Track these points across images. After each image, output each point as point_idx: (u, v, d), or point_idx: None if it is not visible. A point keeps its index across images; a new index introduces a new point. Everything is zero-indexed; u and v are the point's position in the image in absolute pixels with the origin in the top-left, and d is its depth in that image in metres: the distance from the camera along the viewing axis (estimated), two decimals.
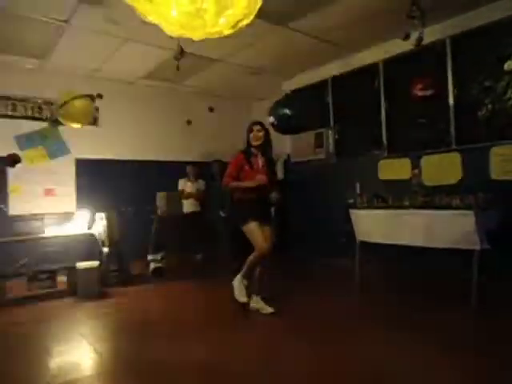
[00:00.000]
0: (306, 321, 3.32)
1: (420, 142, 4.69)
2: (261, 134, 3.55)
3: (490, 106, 4.15)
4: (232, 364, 2.49)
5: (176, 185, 6.44)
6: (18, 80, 5.28)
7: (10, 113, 5.24)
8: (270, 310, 3.51)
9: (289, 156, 6.29)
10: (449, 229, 3.48)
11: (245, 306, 3.51)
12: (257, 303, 3.57)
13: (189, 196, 6.38)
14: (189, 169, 6.48)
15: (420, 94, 4.07)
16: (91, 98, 4.06)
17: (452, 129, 4.42)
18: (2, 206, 5.04)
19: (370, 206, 4.12)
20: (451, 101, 4.41)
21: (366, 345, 2.72)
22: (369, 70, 5.23)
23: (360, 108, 5.42)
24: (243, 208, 3.50)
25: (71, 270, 4.55)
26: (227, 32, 2.26)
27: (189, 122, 6.71)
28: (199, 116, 6.83)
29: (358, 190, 4.36)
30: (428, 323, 3.10)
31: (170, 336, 3.07)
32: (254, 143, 3.55)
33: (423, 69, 4.51)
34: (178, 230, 6.14)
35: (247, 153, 3.57)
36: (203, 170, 6.55)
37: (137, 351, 2.78)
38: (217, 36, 2.28)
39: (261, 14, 3.72)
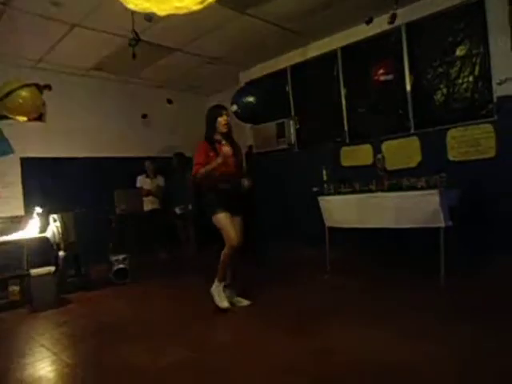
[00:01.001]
0: (280, 311, 3.24)
1: (380, 127, 4.80)
2: (228, 119, 3.40)
3: (444, 91, 4.31)
4: (207, 362, 2.36)
5: (135, 182, 6.17)
6: None
7: None
8: (245, 302, 3.43)
9: (251, 147, 6.20)
10: (416, 209, 3.58)
11: (227, 311, 3.27)
12: (231, 297, 3.43)
13: (148, 193, 6.13)
14: (147, 165, 6.23)
15: (382, 78, 4.14)
16: (38, 87, 3.69)
17: (410, 114, 4.55)
18: None
19: (337, 192, 4.15)
20: (408, 87, 4.54)
21: (337, 333, 2.69)
22: (327, 58, 5.26)
23: (320, 96, 5.44)
24: (212, 198, 3.36)
25: (24, 278, 4.16)
26: (195, 7, 2.11)
27: (144, 116, 6.41)
28: (156, 109, 6.56)
29: (324, 177, 4.36)
30: (403, 304, 3.15)
31: (138, 339, 2.87)
32: (223, 130, 3.37)
33: (381, 56, 4.60)
34: (139, 229, 5.89)
35: (211, 140, 3.38)
36: (164, 164, 6.31)
37: (107, 357, 2.56)
38: (184, 11, 2.12)
39: None
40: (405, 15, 4.41)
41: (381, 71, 4.16)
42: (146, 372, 2.29)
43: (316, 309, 3.22)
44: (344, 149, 5.17)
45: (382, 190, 3.83)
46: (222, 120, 3.35)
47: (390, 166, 4.58)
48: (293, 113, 5.75)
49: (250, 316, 3.19)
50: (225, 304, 3.29)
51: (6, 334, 3.25)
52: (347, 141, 5.17)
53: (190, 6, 2.08)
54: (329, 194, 4.27)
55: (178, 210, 6.00)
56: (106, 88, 6.11)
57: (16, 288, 4.33)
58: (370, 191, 3.93)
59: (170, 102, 6.33)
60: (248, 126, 6.17)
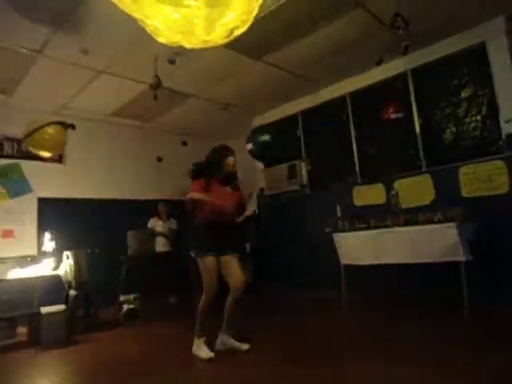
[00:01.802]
0: (295, 350, 3.07)
1: (392, 166, 4.88)
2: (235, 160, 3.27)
3: (453, 130, 4.44)
4: None
5: (147, 224, 6.20)
6: None
7: None
8: (244, 347, 3.06)
9: (263, 189, 6.29)
10: (433, 243, 3.55)
11: (211, 359, 2.92)
12: (227, 342, 3.13)
13: (159, 235, 6.13)
14: (160, 207, 6.28)
15: (393, 116, 4.30)
16: (64, 125, 3.88)
17: (421, 153, 4.65)
18: None
19: (352, 229, 4.14)
20: (417, 128, 4.69)
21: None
22: (337, 103, 5.49)
23: (331, 139, 5.62)
24: (201, 236, 3.14)
25: (34, 317, 4.07)
26: (221, 41, 2.28)
27: (159, 159, 6.60)
28: (170, 153, 6.76)
29: (338, 214, 4.38)
30: (426, 339, 3.01)
31: (144, 378, 2.72)
32: (232, 169, 3.23)
33: (389, 98, 4.80)
34: (150, 271, 5.81)
35: (209, 178, 3.16)
36: (176, 207, 6.37)
37: None
38: (211, 45, 2.29)
39: (236, 46, 3.94)
40: (410, 61, 4.67)
41: (391, 110, 4.34)
42: None
43: (335, 347, 3.07)
44: (356, 188, 5.22)
45: (398, 225, 3.81)
46: (230, 160, 3.21)
47: (403, 204, 4.59)
48: (304, 155, 5.90)
49: (259, 355, 3.03)
50: (208, 354, 2.95)
51: (15, 372, 3.12)
52: (359, 180, 5.24)
53: (216, 40, 2.25)
54: (343, 231, 4.26)
55: (192, 253, 5.95)
56: (123, 132, 6.37)
57: (23, 329, 4.23)
58: (386, 227, 3.91)
59: (185, 144, 6.56)
60: (260, 168, 6.33)
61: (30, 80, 4.64)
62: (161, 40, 2.29)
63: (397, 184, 4.72)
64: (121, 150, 6.33)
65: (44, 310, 3.99)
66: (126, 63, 4.45)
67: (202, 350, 3.00)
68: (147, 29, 2.24)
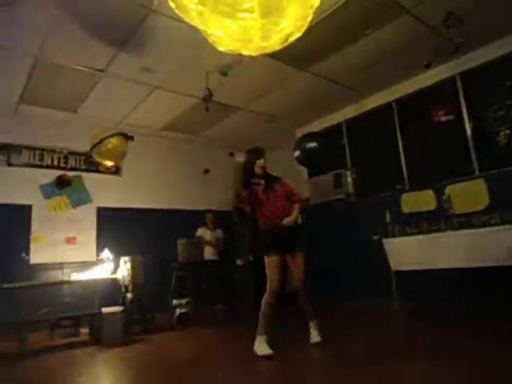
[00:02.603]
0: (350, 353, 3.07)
1: (442, 172, 4.78)
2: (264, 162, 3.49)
3: (507, 132, 4.31)
4: None
5: (195, 233, 6.41)
6: (47, 131, 5.50)
7: (37, 162, 5.37)
8: (315, 339, 3.25)
9: (308, 199, 6.33)
10: (490, 247, 3.43)
11: (270, 356, 2.98)
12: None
13: (207, 244, 6.31)
14: (208, 217, 6.49)
15: (443, 118, 4.25)
16: (125, 136, 4.20)
17: (473, 156, 4.53)
18: (24, 254, 4.92)
19: (404, 233, 4.08)
20: (468, 131, 4.59)
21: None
22: (383, 110, 5.50)
23: (376, 146, 5.60)
24: (264, 239, 3.36)
25: (95, 317, 4.33)
26: (278, 47, 2.43)
27: (206, 171, 6.86)
28: (217, 165, 7.01)
29: (387, 219, 4.33)
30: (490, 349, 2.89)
31: (201, 373, 2.82)
32: (259, 172, 3.42)
33: (437, 102, 4.75)
34: (198, 278, 5.98)
35: (249, 185, 3.36)
36: (223, 217, 6.56)
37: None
38: (268, 51, 2.44)
39: (283, 57, 4.09)
40: (458, 65, 4.62)
41: (441, 112, 4.29)
42: None
43: (386, 350, 3.02)
44: (404, 196, 5.14)
45: (452, 229, 3.72)
46: (259, 163, 3.43)
47: (456, 210, 4.47)
48: (349, 163, 5.91)
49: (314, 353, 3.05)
50: (266, 351, 3.01)
51: (81, 366, 3.34)
52: (407, 187, 5.16)
53: (273, 46, 2.40)
54: (393, 237, 4.21)
55: (239, 262, 6.10)
56: (172, 146, 6.71)
57: (86, 330, 4.51)
58: (439, 231, 3.83)
59: (231, 154, 6.76)
60: (303, 178, 6.41)
61: (92, 98, 5.07)
62: (221, 49, 2.47)
63: (448, 189, 4.61)
64: (171, 162, 6.66)
65: (105, 310, 4.23)
66: (179, 78, 4.75)
67: (260, 348, 3.07)
68: (209, 39, 2.43)
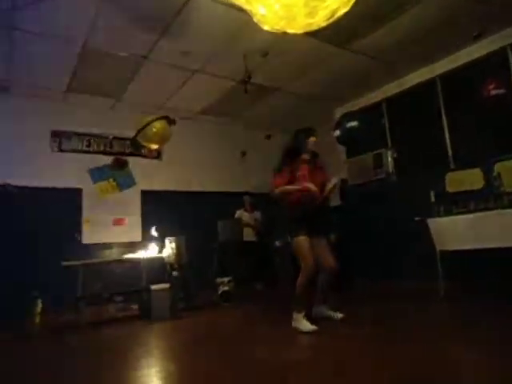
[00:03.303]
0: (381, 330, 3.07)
1: (490, 149, 4.58)
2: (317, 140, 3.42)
3: None
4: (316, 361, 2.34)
5: (234, 215, 6.54)
6: (93, 118, 5.74)
7: (85, 148, 5.64)
8: (339, 315, 3.26)
9: (346, 180, 6.27)
10: None
11: (315, 331, 3.01)
12: (322, 311, 3.35)
13: (246, 226, 6.43)
14: (245, 199, 6.59)
15: (493, 93, 4.05)
16: (168, 120, 4.33)
17: None
18: (76, 234, 5.23)
19: (450, 213, 3.98)
20: None
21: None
22: (426, 86, 5.30)
23: (419, 124, 5.43)
24: (292, 219, 3.30)
25: (144, 293, 4.57)
26: (324, 24, 2.41)
27: (243, 154, 6.93)
28: (254, 147, 7.06)
29: (432, 198, 4.23)
30: None
31: (252, 344, 2.94)
32: (313, 148, 3.40)
33: (485, 76, 4.52)
34: (238, 258, 6.13)
35: (294, 158, 3.34)
36: (261, 200, 6.63)
37: (225, 353, 2.68)
38: (314, 28, 2.43)
39: (323, 35, 4.02)
40: (510, 35, 4.36)
41: (492, 86, 4.08)
42: (268, 363, 2.35)
43: (430, 332, 3.00)
44: (449, 174, 4.98)
45: (503, 207, 3.59)
46: (312, 139, 3.37)
47: (506, 188, 4.30)
48: (389, 143, 5.78)
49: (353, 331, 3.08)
50: (309, 327, 3.04)
51: (136, 337, 3.57)
52: (452, 166, 4.99)
53: (319, 23, 2.38)
54: (439, 217, 4.12)
55: (277, 243, 6.18)
56: (210, 129, 6.81)
57: (135, 306, 4.78)
58: (487, 209, 3.71)
59: (268, 137, 6.80)
60: (341, 159, 6.34)
61: (135, 84, 5.22)
62: (266, 28, 2.48)
63: (498, 166, 4.42)
64: (209, 145, 6.77)
65: (153, 287, 4.46)
66: (217, 61, 4.79)
67: (303, 324, 3.10)
68: (254, 18, 2.44)
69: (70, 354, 3.15)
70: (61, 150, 5.45)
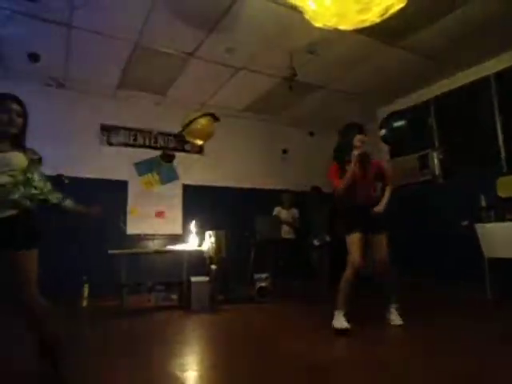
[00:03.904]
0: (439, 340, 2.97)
1: None
2: (364, 138, 3.31)
3: None
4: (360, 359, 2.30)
5: (272, 212, 6.56)
6: (140, 113, 5.95)
7: (131, 142, 5.86)
8: (398, 322, 3.23)
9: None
10: None
11: (346, 331, 3.00)
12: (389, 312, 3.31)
13: (284, 223, 6.43)
14: (284, 196, 6.58)
15: None
16: (213, 117, 4.41)
17: None
18: (122, 224, 5.45)
19: (502, 219, 3.79)
20: None
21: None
22: (478, 85, 5.06)
23: (468, 124, 5.19)
24: (347, 218, 3.33)
25: (184, 284, 4.70)
26: (377, 20, 2.36)
27: (284, 151, 6.93)
28: (294, 145, 7.05)
29: (482, 203, 4.04)
30: None
31: (291, 338, 2.95)
32: (358, 148, 3.27)
33: None
34: (275, 255, 6.15)
35: (342, 161, 3.30)
36: (298, 198, 6.61)
37: (264, 346, 2.71)
38: (367, 24, 2.39)
39: (372, 32, 3.93)
40: None
41: None
42: (304, 360, 2.35)
43: (479, 343, 2.87)
44: (501, 179, 4.72)
45: None
46: (358, 139, 3.27)
47: None
48: (436, 143, 5.57)
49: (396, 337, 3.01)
50: (343, 324, 3.03)
51: (177, 326, 3.69)
52: (505, 170, 4.74)
53: (373, 19, 2.34)
54: (489, 222, 3.93)
55: (315, 242, 6.15)
56: (252, 126, 6.86)
57: (175, 296, 4.92)
58: None
59: (311, 134, 6.76)
60: (385, 159, 6.18)
61: (181, 81, 5.35)
62: (317, 25, 2.47)
63: None
64: (250, 142, 6.83)
65: (193, 279, 4.58)
66: (261, 59, 4.81)
67: (338, 320, 3.09)
68: (306, 15, 2.44)
69: (116, 337, 3.30)
70: (109, 144, 5.70)
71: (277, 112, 6.63)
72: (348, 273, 3.16)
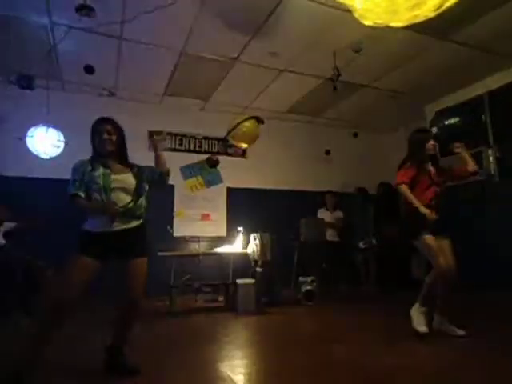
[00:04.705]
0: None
1: None
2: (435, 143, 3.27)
3: None
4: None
5: (316, 214, 6.49)
6: (184, 118, 6.12)
7: (177, 147, 6.03)
8: (460, 332, 2.99)
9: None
10: None
11: (423, 336, 2.95)
12: (443, 323, 3.10)
13: (328, 226, 6.33)
14: (328, 198, 6.49)
15: None
16: (257, 120, 4.45)
17: None
18: (169, 227, 5.61)
19: None
20: None
21: None
22: None
23: None
24: (418, 217, 3.08)
25: (230, 286, 4.76)
26: (431, 15, 2.26)
27: (327, 153, 6.84)
28: (337, 146, 6.94)
29: None
30: None
31: (343, 344, 2.88)
32: (432, 153, 3.24)
33: None
34: (320, 258, 6.07)
35: (420, 164, 3.19)
36: (343, 200, 6.49)
37: (315, 353, 2.67)
38: (421, 19, 2.29)
39: (420, 27, 3.78)
40: None
41: None
42: (357, 364, 2.28)
43: None
44: None
45: None
46: (431, 144, 3.21)
47: None
48: (491, 141, 5.25)
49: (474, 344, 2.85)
50: (422, 328, 2.97)
51: (224, 327, 3.74)
52: None
53: (427, 14, 2.25)
54: None
55: (361, 245, 6.02)
56: (294, 128, 6.84)
57: (221, 298, 5.00)
58: None
59: (356, 135, 6.62)
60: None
61: (224, 86, 5.44)
62: (367, 23, 2.41)
63: None
64: (292, 144, 6.80)
65: (239, 281, 4.62)
66: (304, 60, 4.79)
67: (418, 318, 3.02)
68: (355, 14, 2.39)
69: (168, 336, 3.40)
70: None
71: (319, 113, 6.57)
72: (435, 277, 3.02)
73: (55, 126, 4.61)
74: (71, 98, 5.46)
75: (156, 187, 2.55)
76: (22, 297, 3.91)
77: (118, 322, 2.39)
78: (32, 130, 4.44)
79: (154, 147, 2.51)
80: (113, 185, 2.28)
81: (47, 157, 4.59)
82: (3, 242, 4.17)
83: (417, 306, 3.13)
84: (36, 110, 4.75)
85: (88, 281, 2.17)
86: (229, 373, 2.32)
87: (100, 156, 2.35)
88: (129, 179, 2.36)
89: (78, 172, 2.28)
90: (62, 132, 4.70)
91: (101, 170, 2.29)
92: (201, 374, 2.31)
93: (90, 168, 2.28)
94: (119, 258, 2.31)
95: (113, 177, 2.30)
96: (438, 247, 3.03)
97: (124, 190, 2.32)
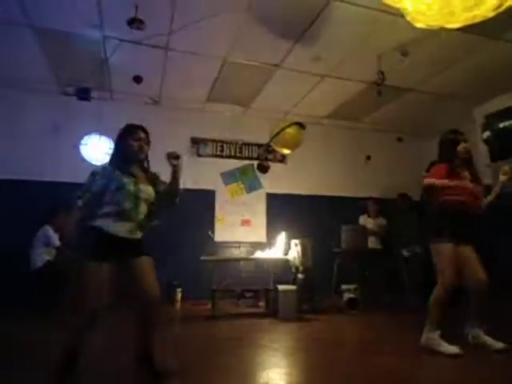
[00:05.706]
0: None
1: None
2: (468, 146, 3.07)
3: None
4: None
5: (357, 220, 6.35)
6: (225, 125, 6.21)
7: (218, 153, 6.14)
8: (498, 345, 2.73)
9: (489, 186, 5.56)
10: None
11: (457, 356, 2.66)
12: (479, 337, 2.85)
13: (370, 233, 6.18)
14: (370, 204, 6.34)
15: None
16: (301, 126, 4.45)
17: None
18: (210, 232, 5.70)
19: None
20: None
21: None
22: None
23: None
24: (436, 220, 2.96)
25: (271, 292, 4.75)
26: (491, 14, 2.17)
27: (368, 158, 6.71)
28: (379, 151, 6.78)
29: None
30: None
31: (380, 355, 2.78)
32: (465, 156, 3.04)
33: None
34: (362, 266, 5.93)
35: (452, 165, 3.00)
36: (385, 205, 6.32)
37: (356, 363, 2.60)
38: (479, 19, 2.21)
39: (469, 27, 3.64)
40: None
41: None
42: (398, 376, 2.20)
43: None
44: None
45: None
46: (462, 147, 3.02)
47: None
48: None
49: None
50: (452, 350, 2.68)
51: (266, 332, 3.73)
52: None
53: (486, 14, 2.16)
54: None
55: (405, 253, 5.82)
56: (334, 133, 6.77)
57: (261, 303, 5.00)
58: None
59: (400, 139, 6.46)
60: (481, 162, 5.64)
61: (265, 92, 5.48)
62: (419, 25, 2.35)
63: None
64: (332, 149, 6.74)
65: (280, 287, 4.60)
66: (347, 64, 4.73)
67: (443, 346, 2.75)
68: (408, 17, 2.34)
69: (213, 340, 3.43)
70: (198, 155, 6.03)
71: (360, 118, 6.46)
72: (438, 290, 2.81)
73: (106, 134, 4.84)
74: (119, 106, 5.70)
75: (166, 206, 2.49)
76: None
77: (139, 332, 2.22)
78: (86, 138, 4.68)
79: (177, 170, 2.42)
80: (140, 194, 2.24)
81: (99, 164, 4.81)
82: (58, 243, 4.44)
83: (426, 332, 2.83)
84: (88, 119, 5.00)
85: (110, 286, 2.11)
86: (277, 380, 2.31)
87: (125, 162, 2.29)
88: (150, 191, 2.32)
89: (97, 178, 2.19)
90: (111, 140, 4.92)
91: (130, 177, 2.24)
92: (251, 380, 2.32)
93: (118, 173, 2.21)
94: (120, 259, 2.17)
95: (141, 186, 2.26)
96: (453, 257, 2.80)
97: (146, 201, 2.28)
